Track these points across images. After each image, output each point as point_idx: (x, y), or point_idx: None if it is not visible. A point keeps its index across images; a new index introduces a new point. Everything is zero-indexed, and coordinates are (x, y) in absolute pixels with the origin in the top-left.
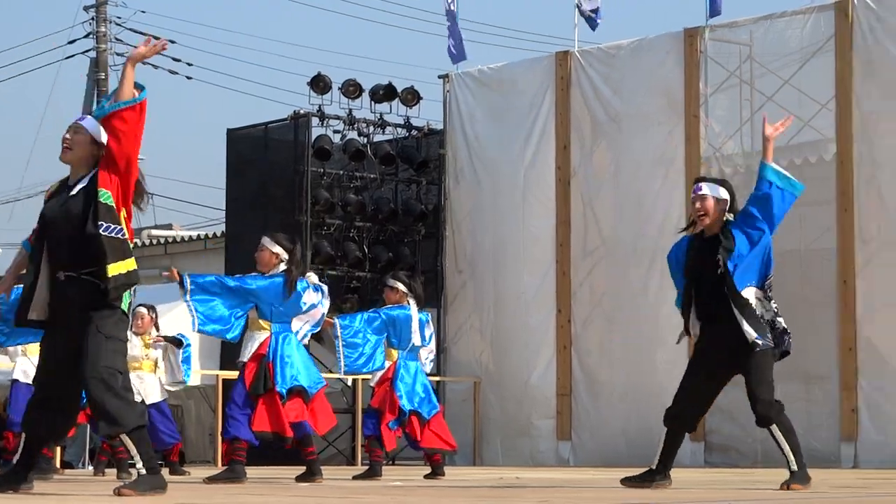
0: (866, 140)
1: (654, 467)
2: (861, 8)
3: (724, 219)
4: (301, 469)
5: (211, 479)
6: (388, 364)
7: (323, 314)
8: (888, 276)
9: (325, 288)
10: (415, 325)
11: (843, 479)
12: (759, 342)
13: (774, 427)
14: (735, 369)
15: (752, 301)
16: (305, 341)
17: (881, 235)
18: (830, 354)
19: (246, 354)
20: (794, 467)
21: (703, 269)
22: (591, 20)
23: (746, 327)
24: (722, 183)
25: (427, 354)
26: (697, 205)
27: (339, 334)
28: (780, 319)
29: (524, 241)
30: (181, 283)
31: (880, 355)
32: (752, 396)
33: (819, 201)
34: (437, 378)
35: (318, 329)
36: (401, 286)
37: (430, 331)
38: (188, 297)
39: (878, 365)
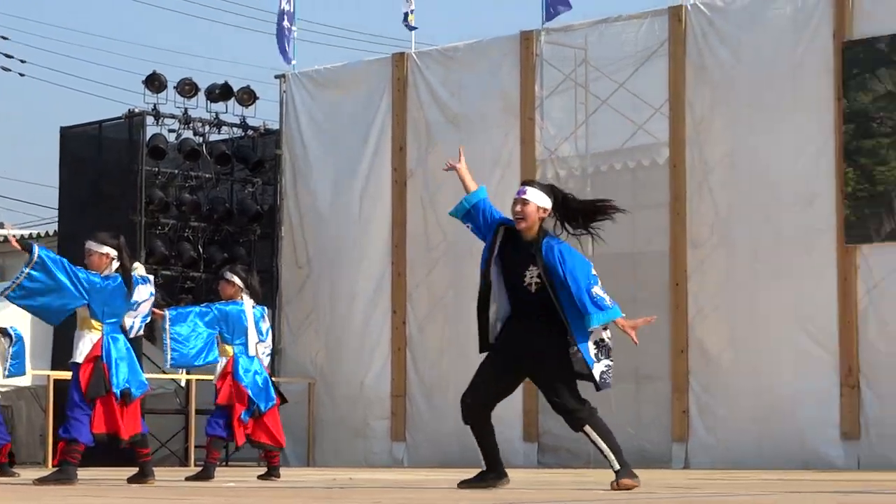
0: (698, 144)
1: (484, 468)
2: (694, 14)
3: (542, 227)
4: (133, 470)
5: (41, 481)
6: (222, 360)
7: (151, 305)
8: (719, 279)
9: (151, 278)
10: (250, 321)
11: (673, 479)
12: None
13: (588, 428)
14: (533, 372)
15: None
16: (140, 333)
17: (712, 239)
18: (663, 356)
19: (79, 355)
20: (617, 466)
21: (513, 267)
22: (409, 24)
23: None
24: (550, 190)
25: (264, 350)
26: (518, 207)
27: (167, 327)
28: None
29: (361, 242)
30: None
31: (711, 357)
32: (554, 402)
33: (652, 204)
34: (271, 378)
35: (149, 319)
36: (237, 280)
37: (266, 325)
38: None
39: (709, 367)
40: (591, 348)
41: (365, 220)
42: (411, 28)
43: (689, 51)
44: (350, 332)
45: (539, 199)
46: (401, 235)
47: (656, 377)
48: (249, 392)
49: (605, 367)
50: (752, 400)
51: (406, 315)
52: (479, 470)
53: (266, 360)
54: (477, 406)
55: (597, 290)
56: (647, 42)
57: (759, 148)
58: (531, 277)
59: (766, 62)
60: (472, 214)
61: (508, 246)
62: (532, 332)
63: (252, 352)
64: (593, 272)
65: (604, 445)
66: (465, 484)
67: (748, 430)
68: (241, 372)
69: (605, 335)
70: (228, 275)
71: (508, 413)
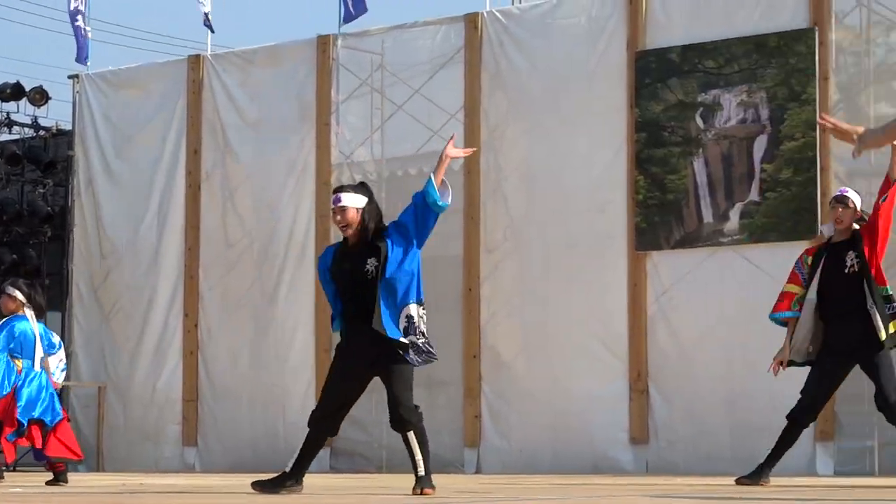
0: (493, 150)
1: (287, 470)
2: (490, 21)
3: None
4: None
5: None
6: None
7: None
8: (511, 285)
9: None
10: (36, 335)
11: (465, 484)
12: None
13: (412, 433)
14: (377, 372)
15: (416, 317)
16: None
17: (506, 244)
18: (455, 361)
19: None
20: (422, 472)
21: (353, 274)
22: (208, 23)
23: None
24: (360, 187)
25: (56, 363)
26: (339, 217)
27: None
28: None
29: (155, 244)
30: None
31: (503, 362)
32: (395, 400)
33: (447, 210)
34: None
35: None
36: (18, 294)
37: (57, 338)
38: None
39: (501, 372)
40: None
41: (160, 222)
42: (208, 26)
43: (484, 58)
44: (143, 336)
45: (356, 201)
46: (194, 238)
47: (449, 382)
48: (18, 415)
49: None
50: (545, 405)
51: (198, 318)
52: (272, 473)
53: (60, 375)
54: (325, 418)
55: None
56: (443, 48)
57: (554, 155)
58: (371, 265)
59: (560, 70)
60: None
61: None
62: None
63: (38, 367)
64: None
65: (419, 452)
66: (259, 485)
67: (541, 435)
68: (22, 389)
69: (416, 312)
70: (10, 290)
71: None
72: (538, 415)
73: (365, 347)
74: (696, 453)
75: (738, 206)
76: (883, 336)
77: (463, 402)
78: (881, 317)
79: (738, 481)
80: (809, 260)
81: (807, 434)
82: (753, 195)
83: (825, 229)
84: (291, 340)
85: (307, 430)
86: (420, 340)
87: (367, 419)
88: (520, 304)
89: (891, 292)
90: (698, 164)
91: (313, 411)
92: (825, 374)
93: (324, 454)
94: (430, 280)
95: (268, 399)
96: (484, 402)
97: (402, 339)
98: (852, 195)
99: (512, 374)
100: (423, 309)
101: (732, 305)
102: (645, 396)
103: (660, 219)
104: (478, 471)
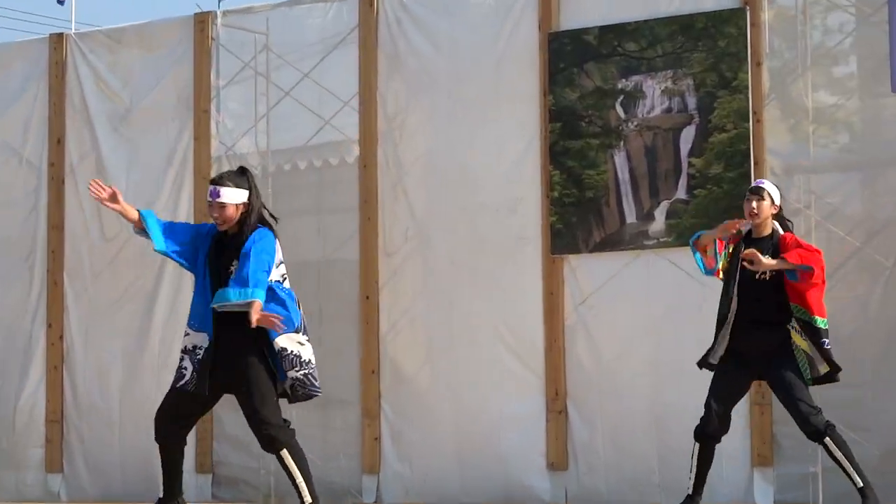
0: (392, 142)
1: (161, 496)
2: None
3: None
4: None
5: None
6: None
7: None
8: (415, 291)
9: None
10: None
11: None
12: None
13: (285, 452)
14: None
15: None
16: None
17: (407, 246)
18: (352, 378)
19: None
20: (308, 498)
21: (220, 273)
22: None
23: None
24: (240, 176)
25: None
26: (216, 214)
27: None
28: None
29: (25, 247)
30: None
31: (405, 378)
32: (257, 415)
33: (341, 208)
34: None
35: None
36: None
37: None
38: None
39: (403, 389)
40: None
41: (24, 223)
42: (60, 1)
43: (381, 39)
44: (5, 350)
45: (233, 197)
46: (58, 239)
47: (346, 402)
48: None
49: (294, 377)
50: (452, 426)
51: (63, 329)
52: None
53: None
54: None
55: (261, 272)
56: (335, 28)
57: (460, 147)
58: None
59: (466, 53)
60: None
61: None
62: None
63: None
64: (278, 258)
65: (297, 472)
66: None
67: (448, 460)
68: None
69: (291, 345)
70: None
71: None
72: (444, 437)
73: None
74: (621, 480)
75: (664, 205)
76: (807, 373)
77: (361, 423)
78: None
79: None
80: (731, 248)
81: (743, 459)
82: (681, 192)
83: (743, 227)
84: (169, 351)
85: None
86: (301, 372)
87: (252, 442)
88: (423, 313)
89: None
90: (619, 158)
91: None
92: (724, 374)
93: (204, 482)
94: (323, 287)
95: (139, 418)
96: (384, 423)
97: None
98: (769, 187)
99: (415, 391)
100: (304, 335)
101: (659, 315)
102: (563, 416)
103: (577, 219)
104: (378, 499)
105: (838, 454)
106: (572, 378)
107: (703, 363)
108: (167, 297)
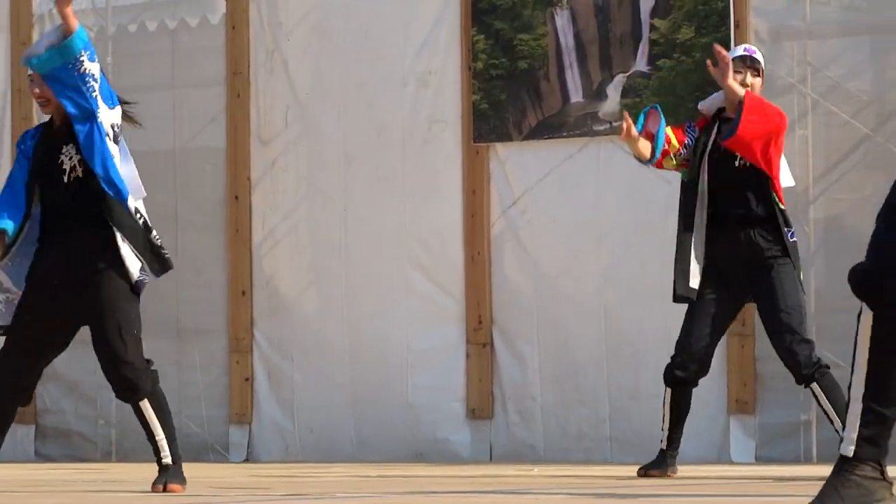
0: None
1: None
2: None
3: None
4: None
5: None
6: None
7: None
8: (294, 190)
9: None
10: None
11: (231, 476)
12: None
13: (146, 402)
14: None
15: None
16: None
17: (288, 133)
18: (216, 300)
19: None
20: (168, 459)
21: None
22: None
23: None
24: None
25: None
26: (36, 90)
27: None
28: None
29: None
30: None
31: (284, 302)
32: (113, 354)
33: (202, 82)
34: None
35: None
36: None
37: None
38: None
39: (282, 316)
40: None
41: None
42: None
43: None
44: None
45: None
46: None
47: (207, 331)
48: None
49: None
50: (346, 364)
51: None
52: None
53: None
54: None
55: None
56: None
57: (354, 3)
58: (69, 161)
59: None
60: None
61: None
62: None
63: None
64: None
65: (159, 429)
66: None
67: (340, 409)
68: None
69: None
70: None
71: None
72: (336, 379)
73: (62, 271)
74: (563, 431)
75: (620, 80)
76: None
77: (228, 360)
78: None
79: (645, 473)
80: (697, 133)
81: (717, 405)
82: (640, 64)
83: (706, 104)
84: None
85: None
86: (156, 237)
87: (86, 385)
88: (308, 218)
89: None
90: (562, 19)
91: None
92: (701, 301)
93: (26, 435)
94: (179, 184)
95: None
96: (258, 360)
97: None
98: (760, 57)
99: (298, 319)
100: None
101: (613, 219)
102: (488, 351)
103: (508, 97)
104: (249, 458)
105: (825, 403)
106: (500, 302)
107: (681, 295)
108: None
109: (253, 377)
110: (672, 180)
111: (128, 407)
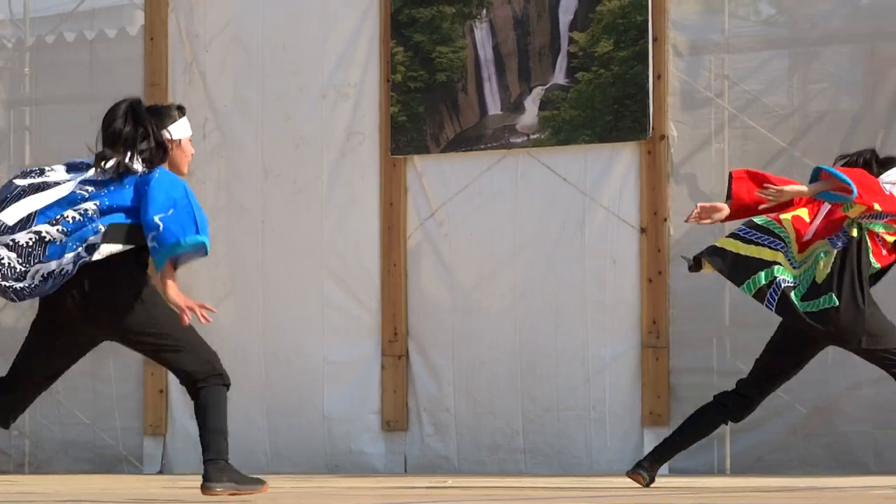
0: (187, 6)
1: None
2: None
3: None
4: None
5: None
6: None
7: None
8: (212, 202)
9: None
10: None
11: (144, 488)
12: None
13: None
14: None
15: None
16: None
17: (206, 144)
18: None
19: None
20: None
21: None
22: None
23: None
24: None
25: None
26: None
27: None
28: None
29: None
30: None
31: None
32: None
33: (120, 94)
34: None
35: None
36: None
37: None
38: None
39: (196, 327)
40: None
41: None
42: None
43: None
44: None
45: None
46: None
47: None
48: None
49: None
50: (259, 375)
51: None
52: None
53: None
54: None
55: None
56: None
57: (275, 14)
58: None
59: None
60: None
61: None
62: None
63: None
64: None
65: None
66: None
67: (255, 419)
68: None
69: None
70: None
71: None
72: (251, 390)
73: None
74: (477, 443)
75: (538, 93)
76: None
77: (143, 372)
78: None
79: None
80: None
81: (631, 418)
82: (559, 77)
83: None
84: None
85: None
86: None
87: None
88: (225, 227)
89: None
90: (481, 32)
91: None
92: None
93: None
94: None
95: None
96: (171, 374)
97: None
98: None
99: (213, 330)
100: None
101: (530, 233)
102: (404, 363)
103: (426, 109)
104: (163, 470)
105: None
106: (416, 314)
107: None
108: None
109: (167, 389)
110: (588, 192)
111: (42, 418)
